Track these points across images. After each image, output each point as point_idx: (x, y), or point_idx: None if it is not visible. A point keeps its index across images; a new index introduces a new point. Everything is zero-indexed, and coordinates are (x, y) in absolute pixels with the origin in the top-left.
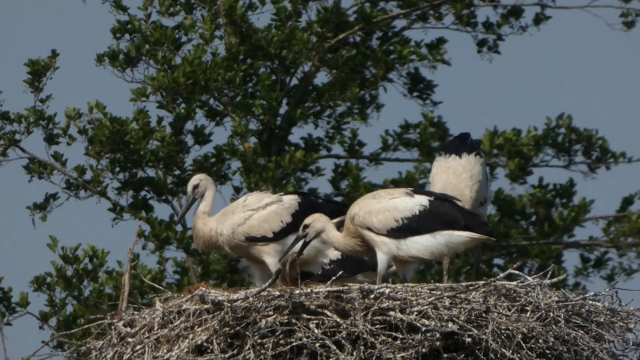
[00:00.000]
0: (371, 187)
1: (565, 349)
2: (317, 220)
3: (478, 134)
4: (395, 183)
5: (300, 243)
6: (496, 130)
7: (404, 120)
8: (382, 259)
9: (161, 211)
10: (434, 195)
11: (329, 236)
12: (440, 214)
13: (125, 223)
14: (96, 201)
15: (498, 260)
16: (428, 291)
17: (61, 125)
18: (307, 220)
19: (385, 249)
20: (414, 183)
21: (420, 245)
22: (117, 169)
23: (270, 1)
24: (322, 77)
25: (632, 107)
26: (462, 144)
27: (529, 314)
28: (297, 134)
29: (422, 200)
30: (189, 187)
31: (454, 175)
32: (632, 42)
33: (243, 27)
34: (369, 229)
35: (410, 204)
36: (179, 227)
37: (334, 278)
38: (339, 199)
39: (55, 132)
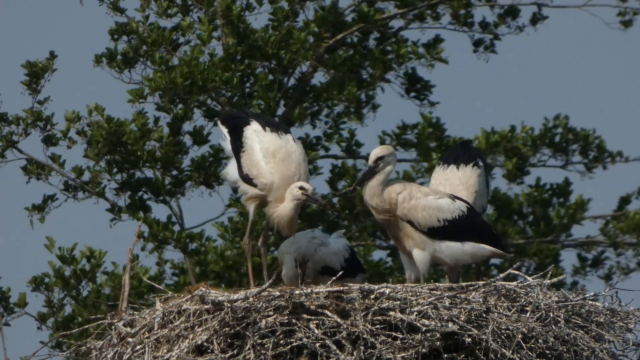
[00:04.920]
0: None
1: (565, 349)
2: (390, 154)
3: (474, 134)
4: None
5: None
6: (493, 130)
7: (401, 121)
8: (424, 258)
9: (159, 212)
10: (470, 204)
11: (384, 176)
12: (474, 223)
13: (123, 224)
14: (94, 202)
15: (495, 260)
16: (428, 291)
17: (59, 127)
18: (380, 152)
19: (424, 246)
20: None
21: (450, 250)
22: (115, 170)
23: (267, 1)
24: (319, 77)
25: (629, 106)
26: (462, 154)
27: (529, 314)
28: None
29: (461, 206)
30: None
31: (450, 187)
32: (630, 41)
33: (240, 28)
34: (410, 223)
35: (453, 207)
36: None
37: (334, 278)
38: (335, 199)
39: (53, 133)
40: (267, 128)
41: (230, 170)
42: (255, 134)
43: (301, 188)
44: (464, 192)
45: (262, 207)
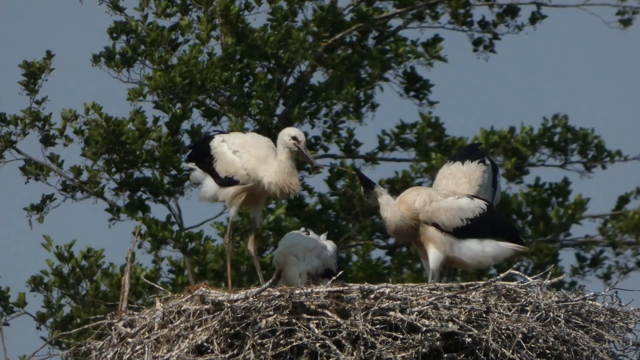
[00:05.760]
0: None
1: (565, 349)
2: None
3: (473, 133)
4: (392, 183)
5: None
6: (492, 130)
7: (400, 120)
8: (437, 256)
9: (158, 211)
10: (488, 202)
11: (388, 205)
12: (494, 220)
13: (122, 224)
14: (93, 202)
15: None
16: (428, 291)
17: (57, 127)
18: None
19: (442, 247)
20: (410, 182)
21: (471, 252)
22: (114, 170)
23: (266, 1)
24: (318, 77)
25: (628, 105)
26: (470, 153)
27: (529, 314)
28: None
29: (481, 204)
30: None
31: (453, 180)
32: (629, 40)
33: (239, 27)
34: (435, 225)
35: (473, 205)
36: (175, 227)
37: (334, 278)
38: (334, 198)
39: (51, 133)
40: (230, 133)
41: (207, 188)
42: (220, 139)
43: (294, 138)
44: (466, 185)
45: (247, 204)
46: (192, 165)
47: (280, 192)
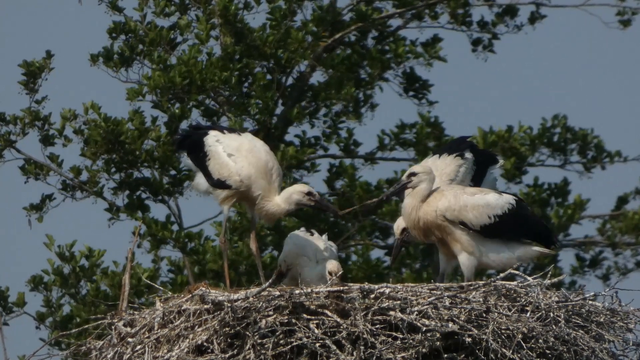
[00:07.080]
0: (367, 187)
1: (565, 349)
2: (425, 173)
3: (472, 133)
4: (391, 182)
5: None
6: (491, 130)
7: (400, 120)
8: (470, 261)
9: (157, 211)
10: (518, 197)
11: (419, 194)
12: (525, 217)
13: (121, 223)
14: (92, 201)
15: None
16: (428, 291)
17: (56, 127)
18: (416, 169)
19: (472, 250)
20: None
21: (498, 257)
22: (113, 169)
23: (265, 1)
24: (317, 77)
25: (628, 106)
26: (450, 146)
27: (529, 314)
28: (293, 134)
29: (509, 199)
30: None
31: None
32: (628, 40)
33: (238, 27)
34: (463, 224)
35: (501, 201)
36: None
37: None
38: (333, 198)
39: (50, 132)
40: (225, 132)
41: (200, 180)
42: (215, 139)
43: (309, 194)
44: (437, 180)
45: (240, 202)
46: (184, 153)
47: (263, 218)
